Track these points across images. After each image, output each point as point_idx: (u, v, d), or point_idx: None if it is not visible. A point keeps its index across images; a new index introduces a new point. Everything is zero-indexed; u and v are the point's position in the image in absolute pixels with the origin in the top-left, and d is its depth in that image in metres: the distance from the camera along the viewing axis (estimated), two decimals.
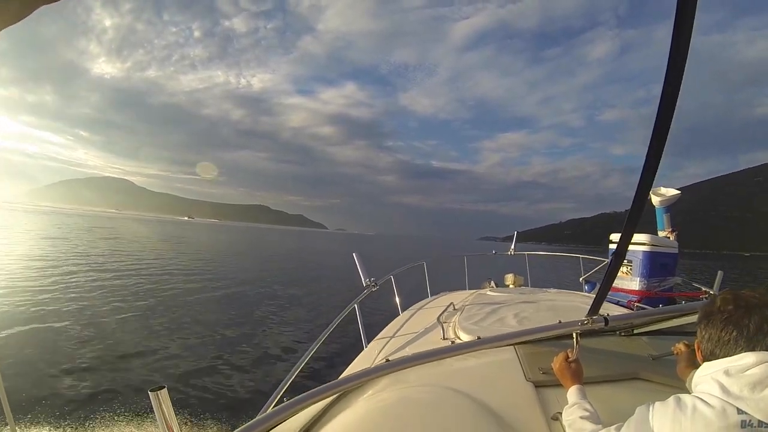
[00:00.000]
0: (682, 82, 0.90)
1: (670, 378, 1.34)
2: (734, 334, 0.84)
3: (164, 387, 1.00)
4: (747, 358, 0.81)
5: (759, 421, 0.73)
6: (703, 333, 0.91)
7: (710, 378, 0.83)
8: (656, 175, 1.07)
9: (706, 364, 0.89)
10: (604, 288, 1.48)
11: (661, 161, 1.04)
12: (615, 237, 6.16)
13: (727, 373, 0.81)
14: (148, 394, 1.00)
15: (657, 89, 0.95)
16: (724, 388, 0.79)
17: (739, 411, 0.75)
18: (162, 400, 0.99)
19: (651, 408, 0.85)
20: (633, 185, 1.11)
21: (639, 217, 1.19)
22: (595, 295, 1.60)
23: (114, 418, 4.61)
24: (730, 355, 0.84)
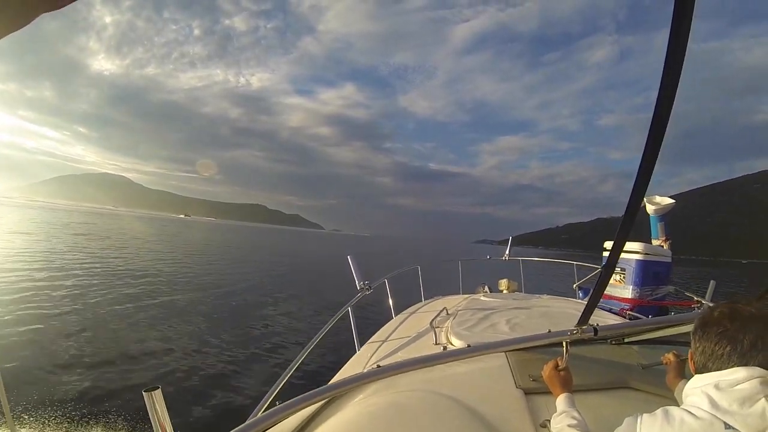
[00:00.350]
0: (678, 88, 0.89)
1: (660, 387, 1.34)
2: (728, 349, 0.83)
3: (158, 388, 0.98)
4: (738, 372, 0.80)
5: None
6: (697, 345, 0.90)
7: (700, 391, 0.83)
8: (651, 183, 1.06)
9: (697, 376, 0.88)
10: (594, 298, 1.47)
11: (654, 169, 1.03)
12: (609, 245, 6.14)
13: (717, 386, 0.81)
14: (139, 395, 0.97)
15: (655, 95, 0.94)
16: (713, 402, 0.78)
17: (727, 426, 0.74)
18: (156, 401, 0.97)
19: (639, 419, 0.85)
20: (630, 190, 1.10)
21: (631, 226, 1.19)
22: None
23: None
24: (722, 370, 0.83)
